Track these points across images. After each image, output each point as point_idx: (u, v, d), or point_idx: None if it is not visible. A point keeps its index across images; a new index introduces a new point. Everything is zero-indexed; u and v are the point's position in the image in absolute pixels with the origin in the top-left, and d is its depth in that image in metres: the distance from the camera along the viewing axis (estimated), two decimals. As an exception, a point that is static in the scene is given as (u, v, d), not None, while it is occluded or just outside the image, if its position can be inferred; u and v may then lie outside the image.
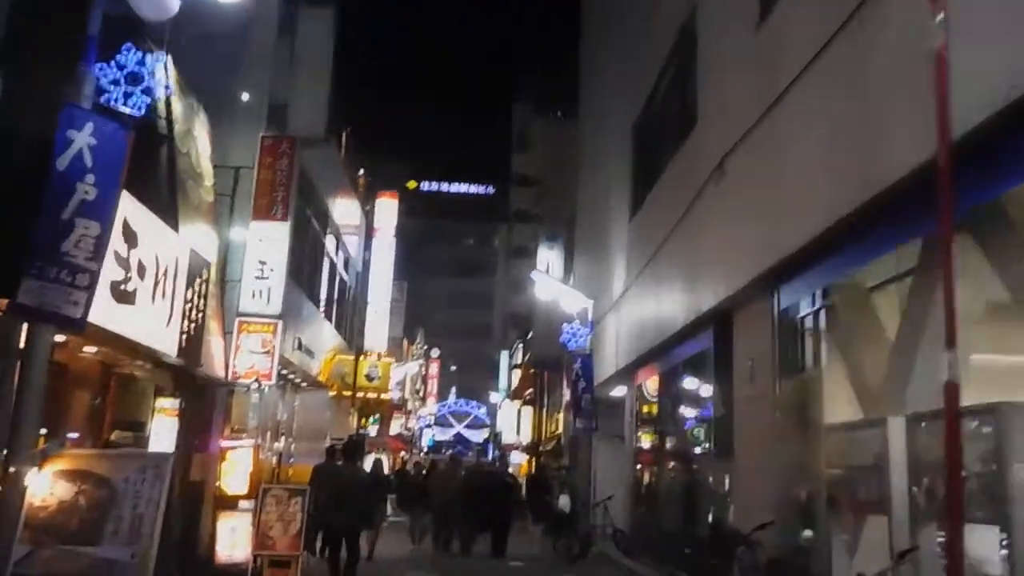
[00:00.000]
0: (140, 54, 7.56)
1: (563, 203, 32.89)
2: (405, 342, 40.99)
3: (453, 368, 71.94)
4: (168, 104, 10.41)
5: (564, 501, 15.17)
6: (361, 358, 23.33)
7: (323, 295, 19.55)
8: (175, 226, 9.67)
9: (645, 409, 16.24)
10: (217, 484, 11.27)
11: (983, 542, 5.21)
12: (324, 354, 19.15)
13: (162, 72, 8.47)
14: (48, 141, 5.89)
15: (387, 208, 25.75)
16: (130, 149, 6.07)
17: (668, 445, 14.84)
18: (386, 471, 19.79)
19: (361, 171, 25.74)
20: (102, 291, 7.16)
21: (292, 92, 14.20)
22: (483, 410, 69.07)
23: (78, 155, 5.79)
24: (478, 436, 65.64)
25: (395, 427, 39.24)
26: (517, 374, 46.28)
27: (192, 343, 9.62)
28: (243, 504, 11.12)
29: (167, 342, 8.89)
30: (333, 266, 20.70)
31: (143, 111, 6.28)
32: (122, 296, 7.61)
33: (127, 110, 6.19)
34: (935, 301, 6.76)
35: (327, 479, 11.43)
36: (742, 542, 8.26)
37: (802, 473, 8.34)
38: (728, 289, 9.74)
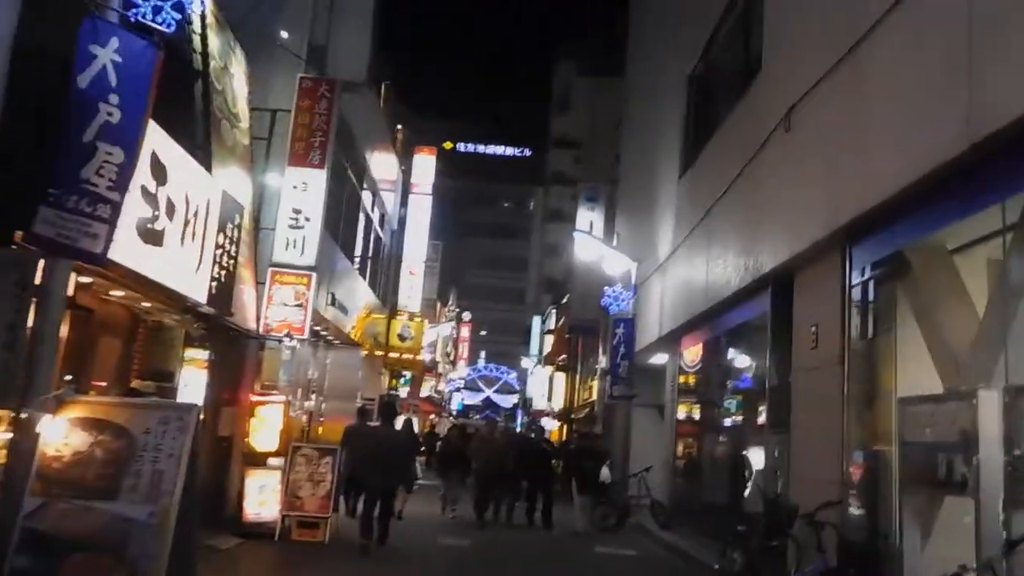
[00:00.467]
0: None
1: (604, 164, 32.13)
2: (438, 304, 40.62)
3: (484, 332, 71.74)
4: (204, 38, 9.89)
5: (604, 471, 14.54)
6: (394, 317, 22.96)
7: (358, 251, 19.08)
8: (208, 167, 9.19)
9: (689, 378, 15.62)
10: (246, 440, 10.90)
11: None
12: (358, 312, 18.73)
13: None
14: (72, 61, 5.39)
15: (425, 164, 25.13)
16: (159, 70, 5.55)
17: (713, 415, 14.25)
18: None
19: (399, 127, 25.18)
20: (127, 228, 6.70)
21: (333, 35, 13.57)
22: (513, 375, 68.92)
23: (101, 72, 5.29)
24: (507, 401, 65.54)
25: (425, 389, 39.04)
26: (549, 340, 45.78)
27: (223, 291, 9.19)
28: (272, 462, 10.77)
29: (197, 288, 8.45)
30: (369, 221, 20.19)
31: (172, 28, 5.72)
32: (149, 236, 7.14)
33: (156, 27, 5.62)
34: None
35: (361, 440, 11.29)
36: (804, 520, 7.65)
37: (872, 448, 7.72)
38: (792, 249, 9.06)
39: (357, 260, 18.89)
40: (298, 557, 9.82)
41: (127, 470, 4.89)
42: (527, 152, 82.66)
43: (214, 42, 10.19)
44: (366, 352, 20.07)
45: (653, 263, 16.92)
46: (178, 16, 5.67)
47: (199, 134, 9.58)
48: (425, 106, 50.02)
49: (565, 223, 55.29)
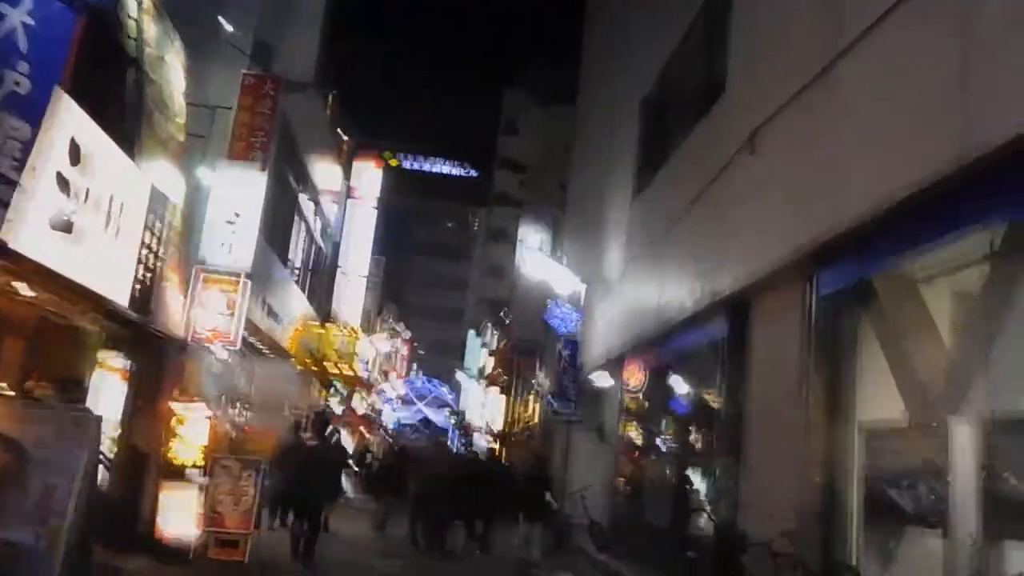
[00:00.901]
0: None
1: (550, 190, 31.96)
2: (376, 319, 39.79)
3: (421, 352, 70.92)
4: (139, 23, 9.25)
5: (548, 496, 13.91)
6: (331, 328, 22.19)
7: (297, 260, 18.35)
8: (136, 159, 8.52)
9: (633, 400, 15.26)
10: (164, 452, 10.12)
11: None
12: (293, 323, 17.96)
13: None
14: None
15: (367, 172, 24.46)
16: (77, 39, 4.95)
17: (656, 438, 13.89)
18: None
19: (346, 138, 24.53)
20: (37, 218, 6.04)
21: (280, 32, 12.96)
22: (445, 388, 68.08)
23: (9, 36, 4.66)
24: (441, 416, 64.62)
25: (361, 406, 38.06)
26: (489, 359, 45.28)
27: (146, 293, 8.49)
28: (192, 474, 10.01)
29: (118, 289, 7.75)
30: (309, 230, 19.47)
31: (98, -5, 5.13)
32: (64, 228, 6.46)
33: (78, -9, 5.03)
34: (1019, 292, 5.90)
35: (294, 454, 10.96)
36: (759, 549, 7.29)
37: (832, 478, 7.41)
38: (752, 273, 8.76)
39: (296, 270, 18.16)
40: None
41: (12, 487, 4.22)
42: (473, 172, 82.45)
43: (150, 29, 9.54)
44: (301, 367, 19.28)
45: (600, 285, 16.59)
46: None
47: (128, 124, 8.91)
48: (371, 121, 49.46)
49: (508, 244, 55.09)
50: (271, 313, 14.96)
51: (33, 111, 4.64)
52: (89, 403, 8.93)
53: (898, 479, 6.55)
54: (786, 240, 7.99)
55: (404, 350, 58.35)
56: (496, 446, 32.79)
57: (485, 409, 41.33)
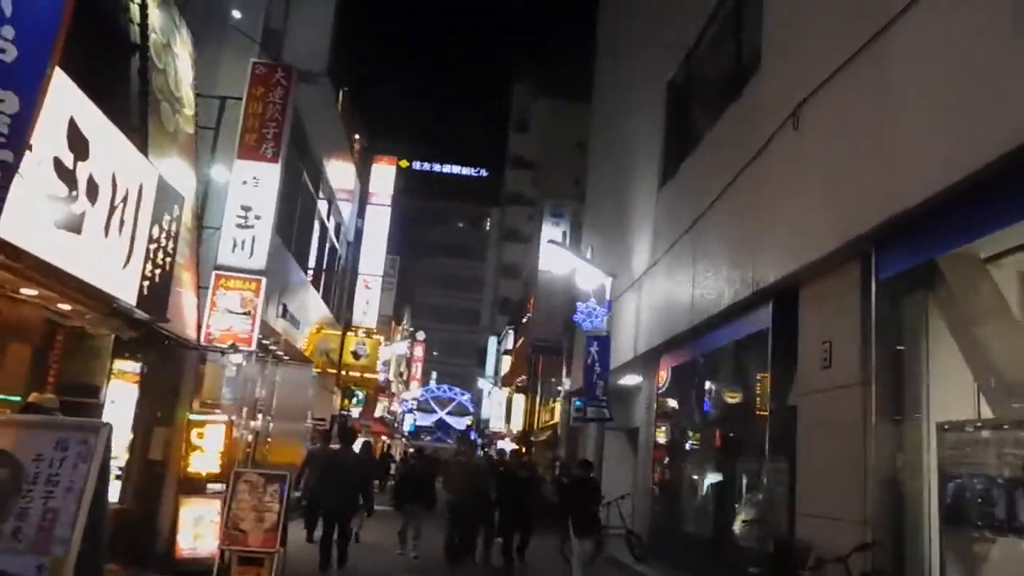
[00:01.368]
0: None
1: (561, 185, 31.39)
2: (392, 323, 39.33)
3: (435, 353, 70.52)
4: (144, 9, 8.75)
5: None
6: (348, 334, 21.73)
7: (312, 261, 17.83)
8: (144, 151, 8.00)
9: (667, 399, 14.65)
10: (182, 465, 9.61)
11: None
12: (310, 326, 17.46)
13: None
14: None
15: (385, 174, 24.01)
16: (71, 11, 4.42)
17: (697, 440, 13.27)
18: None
19: (357, 136, 24.06)
20: (36, 208, 5.52)
21: (291, 18, 12.43)
22: (467, 397, 67.64)
23: (-9, -3, 4.13)
24: (461, 423, 64.21)
25: (379, 410, 37.62)
26: (507, 360, 44.73)
27: (156, 292, 7.96)
28: (212, 487, 9.50)
29: (124, 286, 7.23)
30: (324, 230, 18.96)
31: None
32: (65, 220, 5.95)
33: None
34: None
35: (324, 463, 10.76)
36: (833, 564, 6.63)
37: (902, 482, 6.80)
38: (801, 258, 8.14)
39: (311, 271, 17.65)
40: (238, 601, 8.56)
41: (9, 509, 3.68)
42: (484, 172, 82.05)
43: (156, 16, 9.05)
44: (318, 370, 18.78)
45: (627, 279, 15.99)
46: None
47: (134, 114, 8.41)
48: (381, 122, 49.08)
49: (522, 243, 54.55)
50: (288, 316, 14.45)
51: (21, 82, 4.10)
52: (104, 411, 8.45)
53: (984, 482, 5.90)
54: (838, 221, 7.38)
55: (420, 353, 58.02)
56: (521, 448, 32.27)
57: (508, 413, 40.64)
